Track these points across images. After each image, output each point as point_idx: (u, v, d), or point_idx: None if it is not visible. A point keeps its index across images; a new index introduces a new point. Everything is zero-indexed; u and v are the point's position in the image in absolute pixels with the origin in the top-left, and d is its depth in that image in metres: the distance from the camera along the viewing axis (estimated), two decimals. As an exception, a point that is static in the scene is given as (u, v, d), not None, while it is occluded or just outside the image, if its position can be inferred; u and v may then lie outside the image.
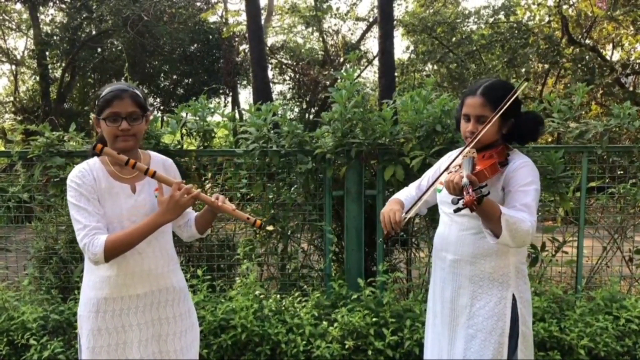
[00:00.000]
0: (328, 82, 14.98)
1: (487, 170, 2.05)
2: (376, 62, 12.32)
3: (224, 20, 17.23)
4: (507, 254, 2.20)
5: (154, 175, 2.03)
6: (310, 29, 18.10)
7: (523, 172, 2.14)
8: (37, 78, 16.85)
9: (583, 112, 11.31)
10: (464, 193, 1.87)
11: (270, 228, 4.09)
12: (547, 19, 14.26)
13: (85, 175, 2.02)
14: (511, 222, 1.98)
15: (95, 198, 2.01)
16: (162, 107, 17.91)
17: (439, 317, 2.39)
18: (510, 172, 2.17)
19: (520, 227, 1.99)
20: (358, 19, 18.01)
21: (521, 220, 2.00)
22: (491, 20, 14.96)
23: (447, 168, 2.27)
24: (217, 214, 2.28)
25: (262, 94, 9.49)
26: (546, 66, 14.29)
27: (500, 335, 2.19)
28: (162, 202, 2.01)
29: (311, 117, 16.81)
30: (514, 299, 2.21)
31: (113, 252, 1.95)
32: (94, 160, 2.10)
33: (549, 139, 9.22)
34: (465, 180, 1.89)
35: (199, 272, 3.77)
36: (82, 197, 1.99)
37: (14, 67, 18.30)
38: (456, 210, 1.92)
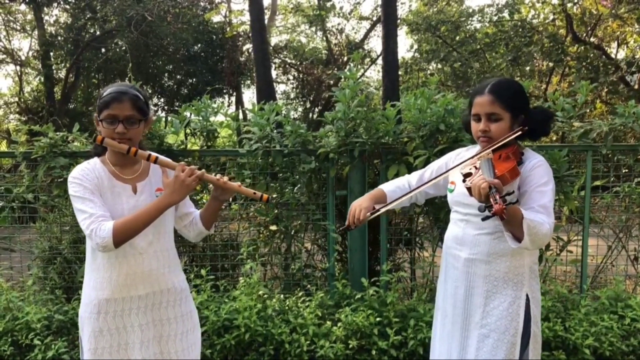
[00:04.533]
0: (332, 82, 14.95)
1: (509, 174, 2.02)
2: (380, 61, 12.32)
3: (227, 20, 17.23)
4: (523, 254, 2.19)
5: (156, 160, 2.06)
6: (313, 28, 18.08)
7: (539, 172, 2.13)
8: (42, 78, 16.85)
9: (587, 111, 11.28)
10: (492, 200, 1.83)
11: (273, 228, 4.09)
12: (551, 17, 14.21)
13: (89, 173, 2.04)
14: (532, 226, 1.97)
15: (99, 194, 2.02)
16: (166, 107, 17.92)
17: (449, 317, 2.37)
18: (526, 172, 2.15)
19: (540, 230, 1.99)
20: (362, 18, 17.97)
21: (540, 223, 1.99)
22: (495, 18, 14.91)
23: (456, 166, 2.27)
24: (222, 204, 2.29)
25: (266, 93, 9.45)
26: (550, 64, 14.23)
27: (513, 335, 2.19)
28: (168, 184, 2.03)
29: (314, 116, 16.79)
30: (527, 298, 2.21)
31: (122, 235, 1.94)
32: (95, 161, 2.11)
33: (553, 138, 9.19)
34: (492, 187, 1.86)
35: (203, 272, 3.77)
36: (87, 191, 1.99)
37: (18, 67, 18.33)
38: (484, 219, 1.90)
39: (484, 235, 2.22)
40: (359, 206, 2.35)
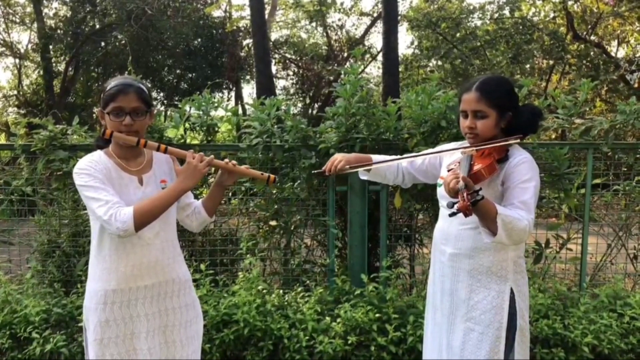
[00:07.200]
0: (332, 77, 14.93)
1: (484, 170, 2.06)
2: (380, 57, 12.30)
3: (227, 14, 17.20)
4: (506, 248, 2.20)
5: (166, 150, 2.10)
6: (314, 24, 18.04)
7: (523, 169, 2.15)
8: (41, 72, 16.81)
9: (587, 109, 11.26)
10: (459, 197, 1.87)
11: (273, 223, 4.09)
12: (552, 14, 14.21)
13: (96, 164, 2.05)
14: (507, 221, 1.99)
15: (109, 184, 2.03)
16: (165, 102, 17.90)
17: (439, 310, 2.40)
18: (510, 168, 2.17)
19: (517, 225, 2.01)
20: (362, 14, 17.93)
21: (518, 219, 2.02)
22: (496, 16, 14.90)
23: (442, 151, 2.36)
24: (225, 189, 2.34)
25: (266, 88, 9.45)
26: (551, 62, 14.24)
27: (497, 329, 2.21)
28: (181, 171, 2.08)
29: (314, 112, 16.78)
30: (512, 292, 2.23)
31: (142, 219, 1.95)
32: (99, 153, 2.12)
33: (553, 136, 9.19)
34: (461, 183, 1.89)
35: (202, 266, 3.77)
36: (98, 180, 2.00)
37: (17, 60, 18.28)
38: (451, 215, 1.93)
39: (468, 230, 2.24)
40: (342, 157, 2.41)
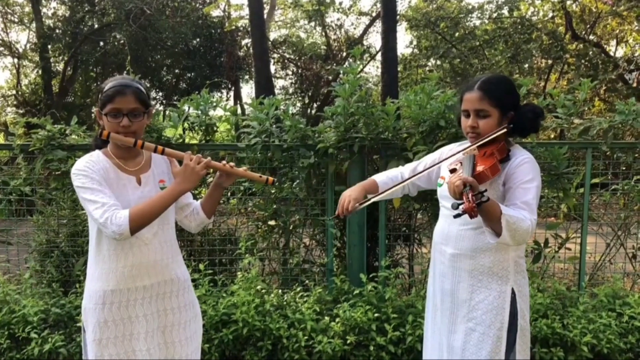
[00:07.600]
0: (330, 77, 14.93)
1: (488, 171, 2.04)
2: (379, 57, 12.28)
3: (226, 14, 17.21)
4: (507, 248, 2.19)
5: (163, 151, 2.08)
6: (312, 24, 18.05)
7: (524, 169, 2.14)
8: (40, 71, 16.82)
9: (586, 109, 11.28)
10: (464, 198, 1.85)
11: (272, 223, 4.08)
12: (550, 14, 14.23)
13: (94, 165, 2.04)
14: (511, 222, 1.97)
15: (106, 185, 2.02)
16: (164, 101, 17.91)
17: (440, 310, 2.39)
18: (511, 168, 2.16)
19: (521, 226, 1.99)
20: (361, 13, 17.96)
21: (521, 219, 2.00)
22: (494, 15, 14.92)
23: (446, 159, 2.30)
24: (224, 190, 2.32)
25: (264, 88, 9.47)
26: (549, 62, 14.25)
27: (499, 330, 2.20)
28: (178, 172, 2.06)
29: (313, 112, 16.78)
30: (512, 293, 2.22)
31: (138, 222, 1.94)
32: (97, 153, 2.11)
33: (552, 135, 9.20)
34: (465, 183, 1.88)
35: (201, 266, 3.76)
36: (95, 182, 1.99)
37: (16, 60, 18.29)
38: (456, 216, 1.92)
39: (469, 230, 2.23)
40: (349, 197, 2.37)
